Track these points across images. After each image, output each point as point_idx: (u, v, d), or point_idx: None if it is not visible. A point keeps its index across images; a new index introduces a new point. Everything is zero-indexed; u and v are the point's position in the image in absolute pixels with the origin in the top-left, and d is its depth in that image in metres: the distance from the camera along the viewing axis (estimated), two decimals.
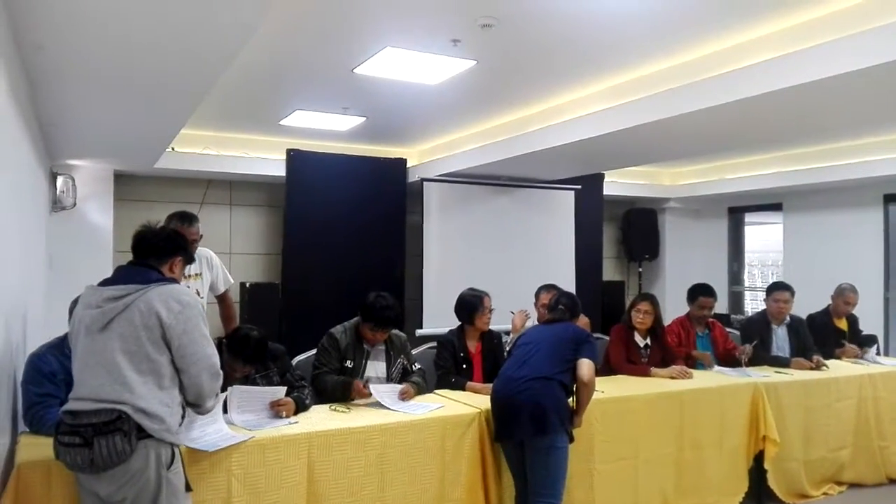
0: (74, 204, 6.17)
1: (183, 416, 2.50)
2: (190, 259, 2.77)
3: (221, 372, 2.55)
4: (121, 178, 6.84)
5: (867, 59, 3.35)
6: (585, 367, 3.30)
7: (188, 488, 2.50)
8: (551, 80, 4.91)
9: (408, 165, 7.63)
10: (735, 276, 9.44)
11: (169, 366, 2.41)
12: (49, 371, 2.80)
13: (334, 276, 6.99)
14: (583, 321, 4.45)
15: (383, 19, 3.69)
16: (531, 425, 3.20)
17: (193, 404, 2.52)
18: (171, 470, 2.40)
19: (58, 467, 2.42)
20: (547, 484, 3.23)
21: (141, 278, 2.46)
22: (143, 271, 2.51)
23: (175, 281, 2.58)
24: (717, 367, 4.73)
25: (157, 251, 2.59)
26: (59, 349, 2.82)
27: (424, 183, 7.30)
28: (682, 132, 5.06)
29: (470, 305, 4.15)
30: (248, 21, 2.77)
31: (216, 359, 2.51)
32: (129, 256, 2.60)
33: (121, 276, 2.51)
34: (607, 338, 4.76)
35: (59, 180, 5.92)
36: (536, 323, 4.29)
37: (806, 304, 5.60)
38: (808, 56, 3.62)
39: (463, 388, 3.90)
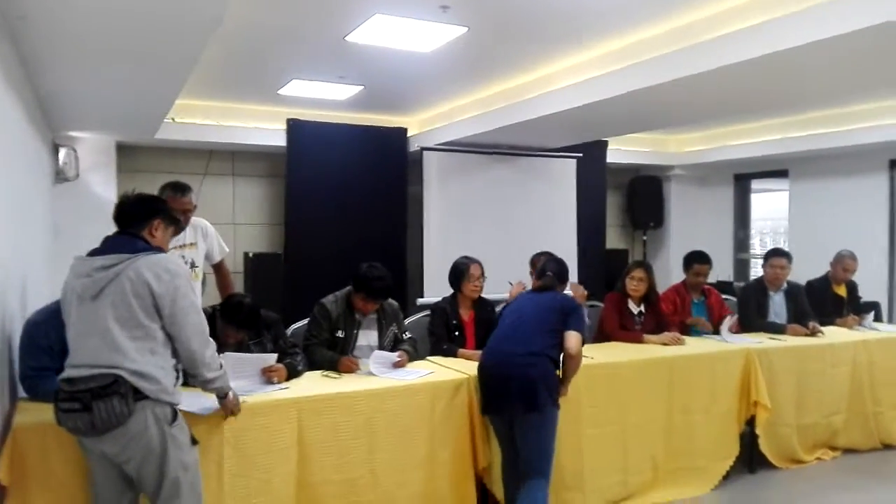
0: (77, 175, 6.21)
1: (177, 379, 2.57)
2: (174, 222, 2.78)
3: (211, 339, 2.61)
4: (123, 150, 6.86)
5: (865, 20, 3.28)
6: (573, 339, 3.27)
7: (194, 441, 2.58)
8: (545, 46, 4.86)
9: (408, 134, 7.61)
10: (741, 244, 9.39)
11: (160, 331, 2.49)
12: (47, 345, 2.81)
13: (336, 245, 7.01)
14: (579, 292, 4.46)
15: None
16: (521, 402, 3.17)
17: (193, 375, 2.60)
18: (175, 425, 2.48)
19: (54, 430, 2.48)
20: (540, 457, 3.24)
21: (128, 248, 2.52)
22: (129, 241, 2.56)
23: (161, 250, 2.62)
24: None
25: (134, 217, 2.63)
26: (57, 314, 2.85)
27: (424, 152, 7.28)
28: (679, 98, 5.01)
29: (458, 272, 4.17)
30: None
31: (205, 325, 2.60)
32: None
33: (109, 246, 2.57)
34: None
35: (62, 152, 5.95)
36: None
37: (811, 271, 5.61)
38: (805, 17, 3.55)
39: (454, 355, 3.95)
